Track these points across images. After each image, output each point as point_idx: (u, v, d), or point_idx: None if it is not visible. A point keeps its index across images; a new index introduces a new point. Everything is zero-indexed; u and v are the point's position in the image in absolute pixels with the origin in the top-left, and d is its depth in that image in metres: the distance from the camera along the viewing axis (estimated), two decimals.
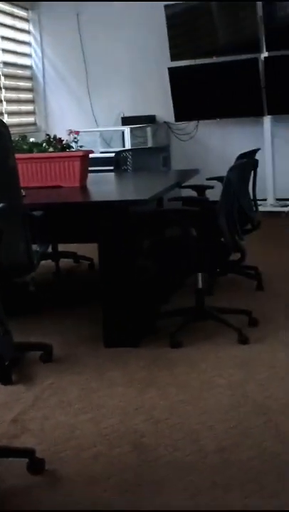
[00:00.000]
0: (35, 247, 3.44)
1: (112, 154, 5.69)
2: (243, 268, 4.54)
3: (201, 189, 4.74)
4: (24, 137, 4.48)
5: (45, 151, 4.34)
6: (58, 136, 4.47)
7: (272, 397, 2.92)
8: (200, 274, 3.78)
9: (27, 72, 8.16)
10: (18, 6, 7.78)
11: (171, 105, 7.55)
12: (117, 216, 3.53)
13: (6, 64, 7.53)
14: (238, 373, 3.19)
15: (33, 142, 4.44)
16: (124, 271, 3.56)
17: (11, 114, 7.59)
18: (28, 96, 8.19)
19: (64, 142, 4.42)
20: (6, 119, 7.21)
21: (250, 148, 4.54)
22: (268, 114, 7.32)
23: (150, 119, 7.72)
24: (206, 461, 2.42)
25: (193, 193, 4.81)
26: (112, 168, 5.47)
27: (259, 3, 7.05)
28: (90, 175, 4.52)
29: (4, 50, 7.53)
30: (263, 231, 4.54)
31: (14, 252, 3.21)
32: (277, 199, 7.49)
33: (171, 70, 7.48)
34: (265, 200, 7.31)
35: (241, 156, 4.24)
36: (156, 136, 7.67)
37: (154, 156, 6.05)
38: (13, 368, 3.29)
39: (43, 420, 2.82)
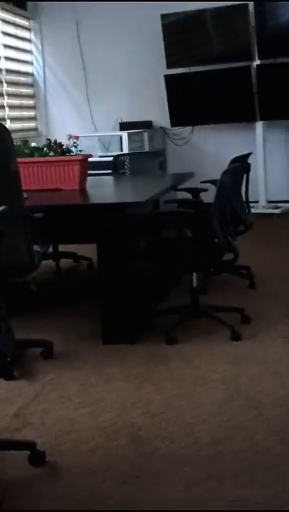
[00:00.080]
0: (36, 247, 3.46)
1: (111, 158, 5.69)
2: (236, 268, 4.53)
3: (195, 192, 4.73)
4: (26, 142, 4.48)
5: (45, 155, 4.35)
6: (59, 140, 4.47)
7: (264, 391, 2.95)
8: (195, 273, 3.80)
9: (29, 80, 8.20)
10: (20, 15, 7.84)
11: (167, 111, 7.60)
12: (115, 218, 3.55)
13: (8, 71, 7.59)
14: (231, 369, 3.22)
15: (34, 147, 4.44)
16: (122, 270, 3.58)
17: (13, 119, 7.62)
18: (30, 102, 8.22)
19: (64, 147, 4.42)
20: (8, 124, 7.23)
21: (243, 153, 4.56)
22: (260, 120, 7.37)
23: (147, 125, 7.76)
24: (200, 453, 2.46)
25: (188, 196, 4.80)
26: (110, 171, 5.49)
27: (251, 14, 7.10)
28: (89, 178, 4.52)
29: (7, 58, 7.58)
30: (255, 232, 4.56)
31: (16, 252, 3.21)
32: (269, 201, 7.55)
33: (167, 78, 7.52)
34: (257, 202, 7.35)
35: (234, 160, 4.27)
36: (152, 140, 7.70)
37: (150, 160, 6.09)
38: (15, 364, 3.31)
39: (43, 414, 2.85)
